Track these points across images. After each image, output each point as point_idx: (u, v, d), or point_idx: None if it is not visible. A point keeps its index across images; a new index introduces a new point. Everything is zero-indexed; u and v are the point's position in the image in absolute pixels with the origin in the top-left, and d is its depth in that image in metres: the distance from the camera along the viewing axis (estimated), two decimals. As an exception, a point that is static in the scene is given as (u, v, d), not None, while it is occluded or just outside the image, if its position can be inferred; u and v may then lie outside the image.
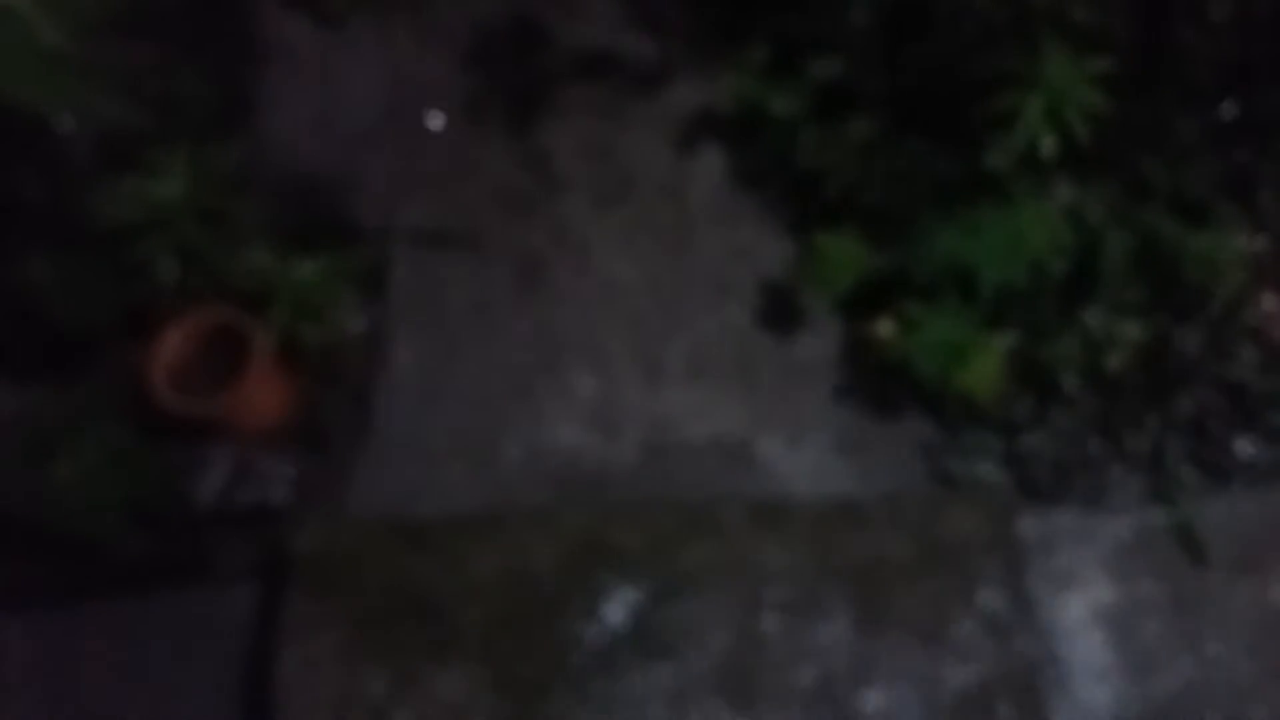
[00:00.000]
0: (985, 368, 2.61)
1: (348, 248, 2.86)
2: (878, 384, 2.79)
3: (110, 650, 2.52)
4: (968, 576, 2.46)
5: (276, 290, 2.63)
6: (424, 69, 3.21)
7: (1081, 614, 2.57)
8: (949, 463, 2.71)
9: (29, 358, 2.67)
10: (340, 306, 2.75)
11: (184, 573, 2.58)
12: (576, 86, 3.21)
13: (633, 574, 2.44)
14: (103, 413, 2.58)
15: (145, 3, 2.75)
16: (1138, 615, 2.56)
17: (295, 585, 2.44)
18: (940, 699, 2.37)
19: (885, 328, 2.69)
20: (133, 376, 2.60)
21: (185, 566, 2.58)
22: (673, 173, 3.12)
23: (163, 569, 2.57)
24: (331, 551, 2.48)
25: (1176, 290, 2.74)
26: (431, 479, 2.71)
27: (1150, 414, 2.75)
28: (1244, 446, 2.73)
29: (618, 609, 2.42)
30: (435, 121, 3.04)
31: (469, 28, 3.25)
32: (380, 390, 2.81)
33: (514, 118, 3.18)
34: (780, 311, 2.91)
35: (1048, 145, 2.55)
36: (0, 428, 2.58)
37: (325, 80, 3.16)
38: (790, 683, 2.38)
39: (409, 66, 3.21)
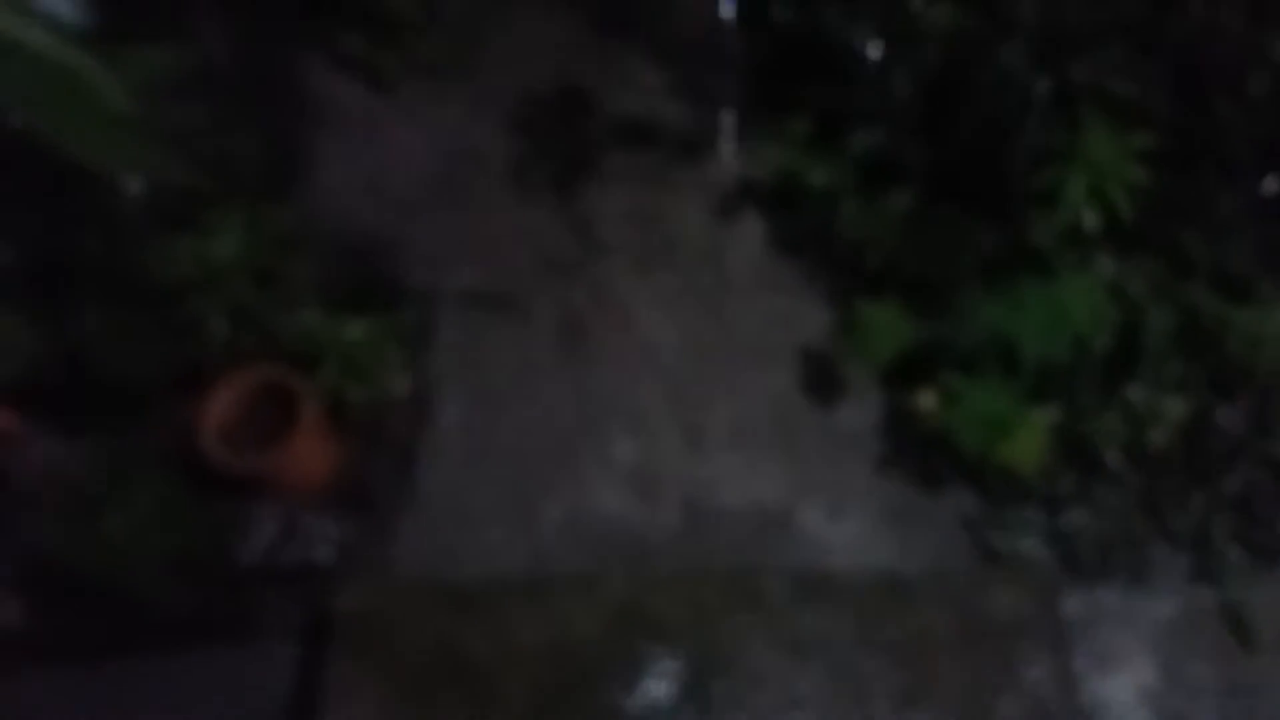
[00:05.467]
0: (1028, 442, 2.61)
1: (395, 308, 2.91)
2: (920, 455, 2.78)
3: (153, 705, 2.51)
4: (1012, 655, 2.44)
5: (326, 350, 2.67)
6: (473, 134, 3.28)
7: (1127, 695, 2.53)
8: (992, 537, 2.70)
9: (82, 410, 2.69)
10: (387, 367, 2.78)
11: (227, 630, 2.58)
12: (621, 153, 3.27)
13: (675, 644, 2.43)
14: (152, 467, 2.61)
15: (204, 65, 2.84)
16: (1184, 698, 2.52)
17: (338, 646, 2.45)
18: (983, 778, 2.35)
19: (927, 399, 2.70)
20: (183, 432, 2.63)
21: (229, 624, 2.59)
22: (714, 239, 3.16)
23: (207, 625, 2.57)
24: (374, 613, 2.49)
25: (1220, 366, 2.73)
26: (473, 541, 2.71)
27: (1195, 492, 2.73)
28: (1291, 527, 2.71)
29: (660, 680, 2.41)
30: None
31: (518, 94, 3.32)
32: (424, 451, 2.83)
33: (560, 183, 3.23)
34: (821, 379, 2.92)
35: (1090, 221, 2.58)
36: (52, 479, 2.60)
37: (376, 143, 3.22)
38: (831, 757, 2.37)
39: (458, 131, 3.28)
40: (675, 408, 2.90)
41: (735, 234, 3.16)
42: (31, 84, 2.16)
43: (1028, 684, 2.41)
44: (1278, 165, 2.79)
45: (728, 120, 3.26)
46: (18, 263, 2.61)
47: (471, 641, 2.43)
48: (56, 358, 2.65)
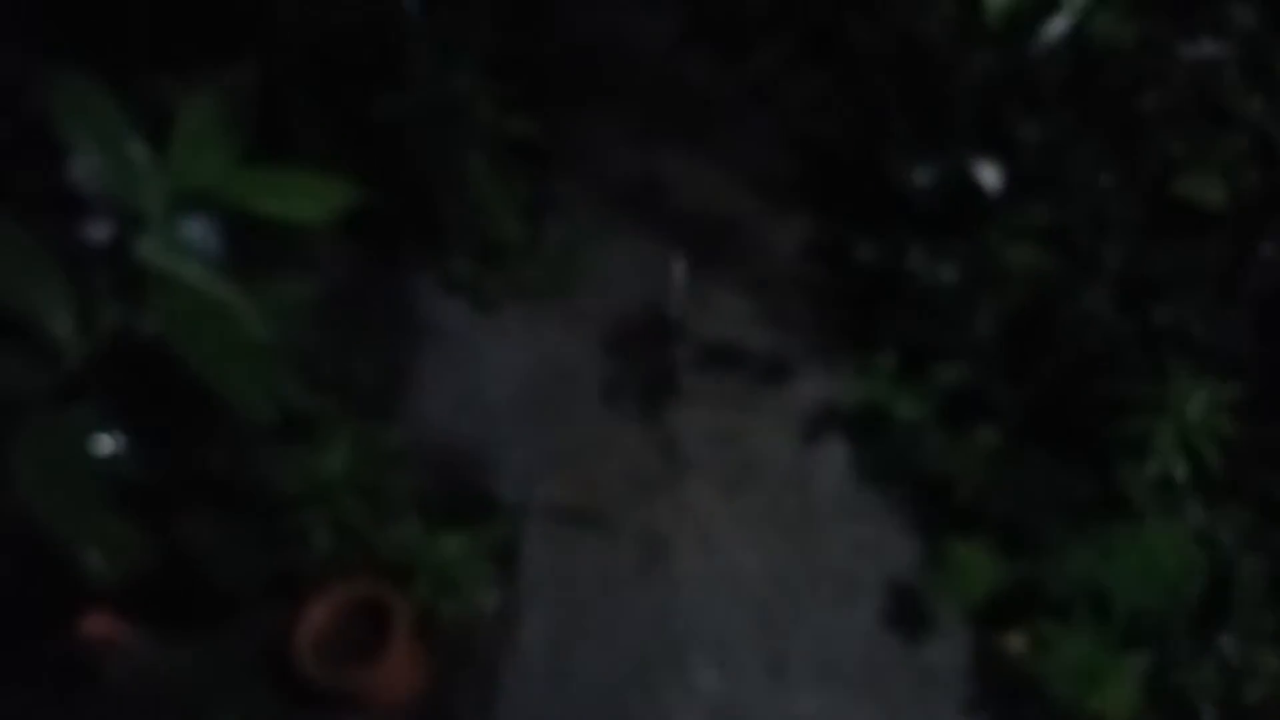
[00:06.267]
0: (1120, 693, 2.56)
1: (486, 522, 2.98)
2: (1009, 699, 2.73)
3: None
4: None
5: (421, 565, 2.73)
6: (565, 353, 3.41)
7: None
8: (1083, 794, 2.62)
9: (181, 615, 2.76)
10: (478, 582, 2.83)
11: None
12: (706, 376, 3.36)
13: None
14: (245, 677, 2.65)
15: (325, 289, 3.02)
16: None
17: None
18: None
19: (1017, 642, 2.67)
20: (276, 641, 2.68)
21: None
22: (798, 464, 3.20)
23: None
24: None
25: (1315, 620, 2.69)
26: (550, 772, 2.69)
27: (1295, 751, 2.65)
28: (1403, 791, 2.60)
29: None
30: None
31: (610, 317, 3.45)
32: (507, 670, 2.83)
33: (647, 402, 3.33)
34: (908, 614, 2.90)
35: (1180, 473, 2.60)
36: (148, 684, 2.65)
37: (475, 361, 3.36)
38: None
39: (552, 350, 3.41)
40: (758, 637, 2.89)
41: (819, 459, 3.20)
42: (184, 315, 2.34)
43: None
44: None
45: (810, 348, 3.36)
46: (139, 472, 2.73)
47: None
48: (163, 563, 2.73)
